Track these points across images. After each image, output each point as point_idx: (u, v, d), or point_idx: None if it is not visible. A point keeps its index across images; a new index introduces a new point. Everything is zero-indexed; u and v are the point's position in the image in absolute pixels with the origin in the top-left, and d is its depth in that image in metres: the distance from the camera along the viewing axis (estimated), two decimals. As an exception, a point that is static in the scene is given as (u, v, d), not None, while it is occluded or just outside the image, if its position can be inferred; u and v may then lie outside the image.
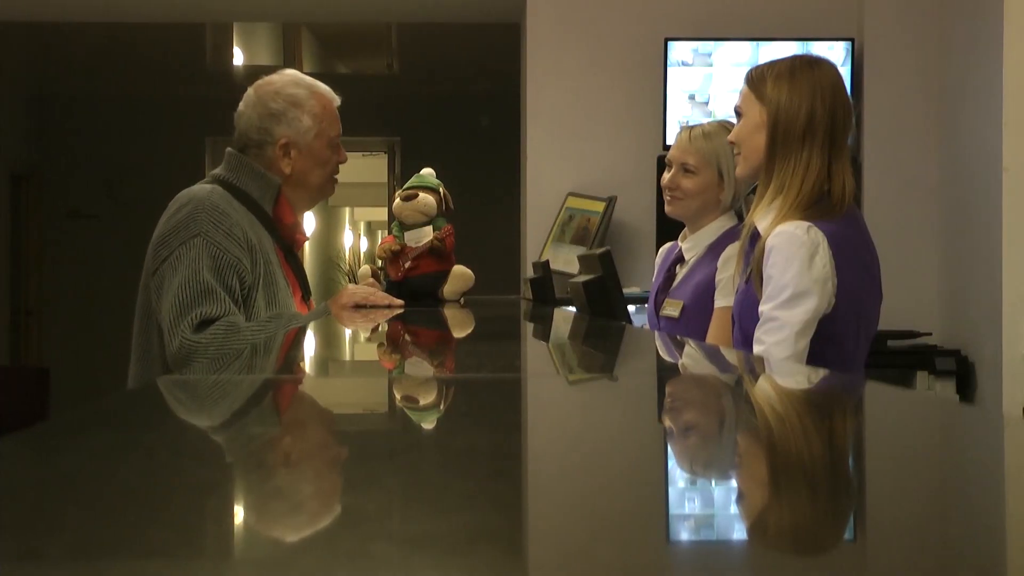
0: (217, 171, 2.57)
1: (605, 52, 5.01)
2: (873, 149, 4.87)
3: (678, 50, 4.85)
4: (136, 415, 0.99)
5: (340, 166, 2.67)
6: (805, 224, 2.09)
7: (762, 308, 2.11)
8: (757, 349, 2.11)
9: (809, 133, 2.16)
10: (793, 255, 2.06)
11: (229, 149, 2.58)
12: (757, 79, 2.23)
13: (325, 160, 2.60)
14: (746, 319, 2.18)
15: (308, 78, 2.65)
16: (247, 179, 2.52)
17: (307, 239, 2.71)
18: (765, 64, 2.29)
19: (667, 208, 2.83)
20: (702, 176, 2.75)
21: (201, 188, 2.49)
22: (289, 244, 2.59)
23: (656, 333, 2.55)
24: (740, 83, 2.30)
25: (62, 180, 8.70)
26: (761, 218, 2.17)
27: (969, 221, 4.59)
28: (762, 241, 2.13)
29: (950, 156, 4.79)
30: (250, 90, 2.60)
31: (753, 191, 2.72)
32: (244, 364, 1.68)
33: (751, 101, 2.23)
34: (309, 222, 12.56)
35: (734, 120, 2.36)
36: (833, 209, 2.14)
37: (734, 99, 2.33)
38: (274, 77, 2.62)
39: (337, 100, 2.66)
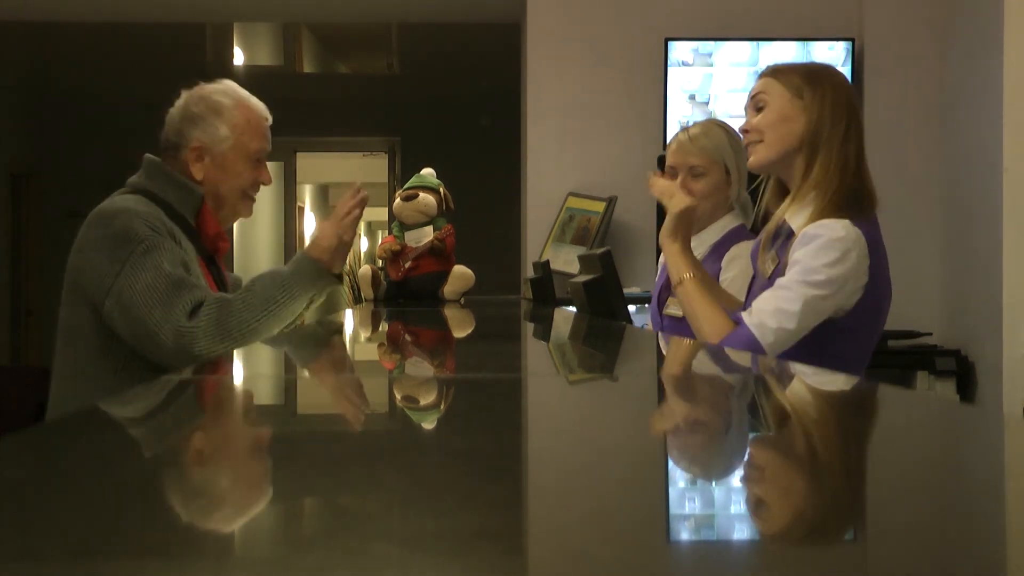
0: (135, 179, 2.48)
1: (605, 52, 5.01)
2: (873, 149, 4.82)
3: (678, 50, 4.85)
4: (135, 415, 0.99)
5: (262, 187, 2.56)
6: (845, 220, 2.09)
7: (779, 280, 2.09)
8: (757, 305, 2.09)
9: (850, 129, 2.17)
10: (829, 246, 2.06)
11: (147, 156, 2.50)
12: (787, 72, 2.22)
13: (238, 173, 2.50)
14: None
15: (243, 91, 2.57)
16: (167, 188, 2.44)
17: (229, 245, 2.61)
18: (786, 63, 2.29)
19: None
20: (711, 176, 2.71)
21: (124, 198, 2.40)
22: (211, 253, 2.50)
23: (657, 333, 2.55)
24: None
25: (62, 180, 8.71)
26: (794, 215, 2.16)
27: (969, 221, 4.59)
28: (797, 235, 2.11)
29: (950, 156, 4.79)
30: (183, 93, 2.54)
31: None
32: (247, 344, 1.69)
33: (779, 92, 2.19)
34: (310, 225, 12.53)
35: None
36: (864, 208, 2.14)
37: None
38: (209, 84, 2.55)
39: (268, 119, 2.57)
